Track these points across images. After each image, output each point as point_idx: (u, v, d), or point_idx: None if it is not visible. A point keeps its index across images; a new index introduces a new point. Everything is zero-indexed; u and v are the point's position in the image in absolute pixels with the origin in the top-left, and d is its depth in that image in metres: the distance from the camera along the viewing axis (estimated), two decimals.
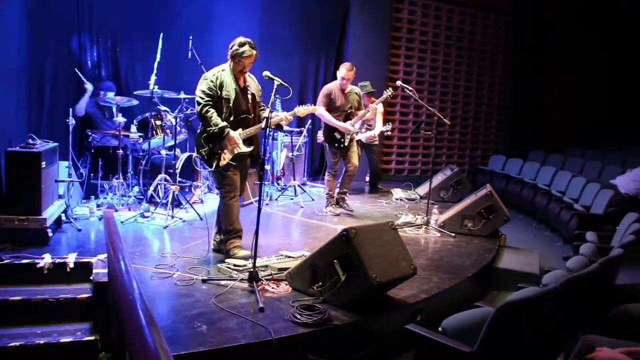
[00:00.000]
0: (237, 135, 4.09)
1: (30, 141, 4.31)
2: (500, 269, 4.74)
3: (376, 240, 3.38)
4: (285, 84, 3.94)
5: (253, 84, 4.24)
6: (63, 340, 2.97)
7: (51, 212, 4.40)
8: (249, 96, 4.18)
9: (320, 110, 5.79)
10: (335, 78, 8.39)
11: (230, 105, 4.07)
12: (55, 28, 6.05)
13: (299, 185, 6.91)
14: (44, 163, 4.24)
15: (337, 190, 6.19)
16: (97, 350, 2.96)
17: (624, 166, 7.41)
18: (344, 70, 5.85)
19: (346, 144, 5.89)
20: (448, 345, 2.25)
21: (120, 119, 5.57)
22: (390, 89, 6.04)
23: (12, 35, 4.92)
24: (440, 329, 2.48)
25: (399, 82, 5.86)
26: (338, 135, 5.87)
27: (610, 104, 10.25)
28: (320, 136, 6.24)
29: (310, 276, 3.38)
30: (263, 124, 3.95)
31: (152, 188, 5.59)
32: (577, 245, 4.34)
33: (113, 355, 2.83)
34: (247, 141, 4.19)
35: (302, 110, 4.35)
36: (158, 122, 5.87)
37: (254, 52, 4.01)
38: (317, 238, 4.96)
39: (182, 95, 5.99)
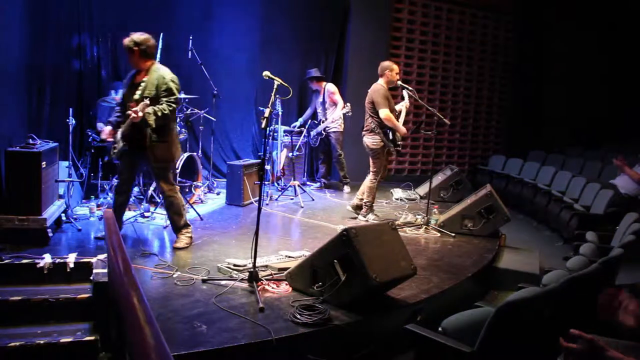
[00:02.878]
0: (107, 130, 4.27)
1: (30, 141, 4.30)
2: (500, 269, 4.74)
3: (376, 240, 3.38)
4: (285, 84, 3.94)
5: (150, 80, 4.15)
6: (63, 340, 2.97)
7: (51, 212, 4.40)
8: (137, 92, 4.14)
9: (387, 113, 5.48)
10: (335, 77, 8.49)
11: (121, 101, 4.37)
12: (56, 28, 6.05)
13: (299, 185, 6.91)
14: (44, 163, 4.24)
15: (360, 196, 5.98)
16: (97, 350, 2.97)
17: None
18: (395, 67, 5.69)
19: (399, 144, 5.77)
20: (448, 345, 2.25)
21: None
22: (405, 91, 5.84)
23: (13, 36, 4.92)
24: (440, 329, 2.49)
25: (399, 82, 5.84)
26: (394, 137, 5.66)
27: (610, 103, 10.25)
28: (372, 142, 5.61)
29: (310, 276, 3.38)
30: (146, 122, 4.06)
31: (152, 188, 5.59)
32: (577, 245, 4.33)
33: (113, 355, 2.83)
34: (130, 137, 4.20)
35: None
36: None
37: (125, 44, 4.12)
38: (317, 238, 4.96)
39: (182, 95, 5.99)
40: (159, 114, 4.03)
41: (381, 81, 5.69)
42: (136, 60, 4.15)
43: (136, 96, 4.10)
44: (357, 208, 5.98)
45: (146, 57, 4.15)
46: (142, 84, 4.13)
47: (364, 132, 5.74)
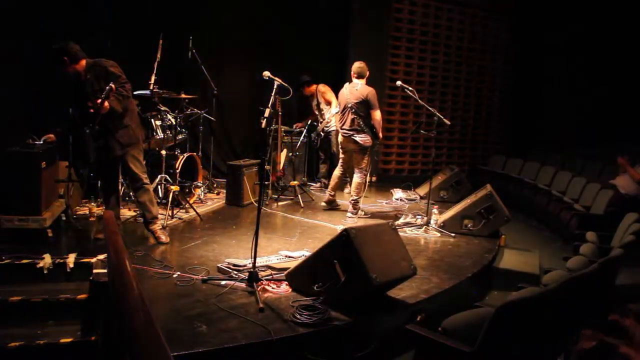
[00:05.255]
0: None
1: (30, 141, 4.31)
2: (500, 269, 4.74)
3: (376, 240, 3.38)
4: (285, 84, 3.94)
5: (92, 76, 4.18)
6: (63, 340, 2.97)
7: (51, 212, 4.40)
8: (89, 91, 4.17)
9: (380, 114, 5.77)
10: (336, 77, 8.48)
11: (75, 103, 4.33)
12: (56, 28, 6.05)
13: (298, 185, 6.91)
14: (44, 163, 4.24)
15: (335, 190, 6.30)
16: (97, 350, 2.96)
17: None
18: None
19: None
20: (448, 345, 2.25)
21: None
22: None
23: (12, 36, 4.93)
24: (440, 329, 2.48)
25: (399, 82, 5.85)
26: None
27: (611, 103, 10.24)
28: (364, 140, 5.75)
29: (310, 276, 3.38)
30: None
31: (151, 188, 5.58)
32: (577, 245, 4.33)
33: (112, 355, 2.83)
34: (103, 134, 4.22)
35: None
36: (158, 122, 5.86)
37: (56, 60, 4.14)
38: (317, 238, 4.96)
39: (182, 95, 6.00)
40: (120, 97, 4.11)
41: (363, 82, 5.78)
42: (72, 68, 4.16)
43: (90, 94, 4.15)
44: (330, 203, 6.28)
45: (77, 60, 4.15)
46: (88, 83, 4.17)
47: (349, 132, 5.81)
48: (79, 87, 4.23)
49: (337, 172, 6.22)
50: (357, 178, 5.89)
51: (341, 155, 6.18)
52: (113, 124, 4.23)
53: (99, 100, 3.98)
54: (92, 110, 4.08)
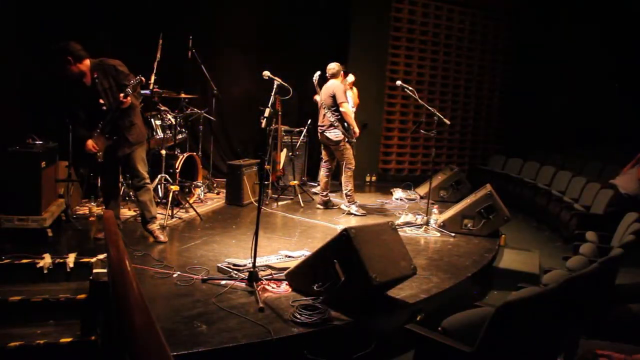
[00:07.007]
0: (91, 141, 4.19)
1: (30, 141, 4.31)
2: (500, 269, 4.74)
3: (376, 240, 3.38)
4: (285, 84, 3.94)
5: (99, 75, 4.14)
6: (63, 340, 2.96)
7: (51, 212, 4.40)
8: (100, 89, 4.13)
9: (348, 107, 5.96)
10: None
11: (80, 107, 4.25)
12: (55, 28, 6.05)
13: (298, 185, 6.91)
14: (43, 163, 4.24)
15: (327, 190, 6.42)
16: (97, 350, 2.96)
17: (624, 166, 7.38)
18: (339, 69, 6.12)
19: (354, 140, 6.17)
20: (448, 345, 2.25)
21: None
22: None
23: (11, 35, 4.92)
24: (440, 328, 2.48)
25: (399, 82, 5.86)
26: (351, 132, 6.05)
27: (610, 103, 10.24)
28: (335, 135, 5.96)
29: (310, 276, 3.38)
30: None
31: (151, 187, 5.59)
32: (577, 245, 4.33)
33: (112, 355, 2.83)
34: (113, 132, 4.22)
35: None
36: (158, 122, 5.87)
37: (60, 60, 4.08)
38: (317, 238, 4.96)
39: (182, 95, 6.00)
40: (135, 93, 4.16)
41: (335, 80, 6.02)
42: (76, 67, 4.10)
43: (102, 94, 4.13)
44: (325, 204, 6.41)
45: (81, 58, 4.10)
46: (97, 82, 4.11)
47: (322, 128, 6.08)
48: (85, 87, 4.19)
49: (322, 172, 6.42)
50: (343, 173, 6.12)
51: (322, 153, 6.40)
52: (122, 123, 4.22)
53: (122, 95, 3.99)
54: (104, 108, 4.09)
